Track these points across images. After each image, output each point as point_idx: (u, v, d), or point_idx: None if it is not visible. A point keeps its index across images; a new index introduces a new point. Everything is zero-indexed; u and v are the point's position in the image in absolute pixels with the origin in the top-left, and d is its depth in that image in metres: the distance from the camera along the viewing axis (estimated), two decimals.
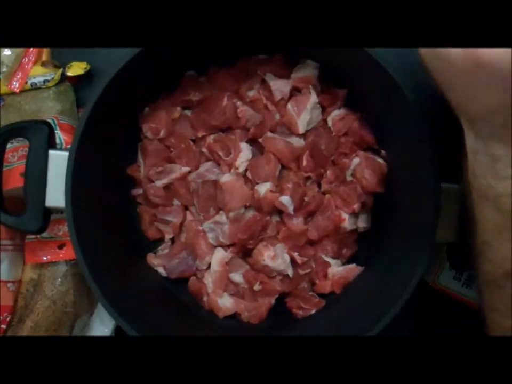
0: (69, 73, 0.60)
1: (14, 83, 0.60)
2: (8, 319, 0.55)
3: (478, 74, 0.36)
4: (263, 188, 0.54)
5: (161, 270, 0.58)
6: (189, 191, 0.57)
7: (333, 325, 0.53)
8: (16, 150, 0.55)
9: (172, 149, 0.57)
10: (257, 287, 0.55)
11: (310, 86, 0.55)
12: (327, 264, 0.57)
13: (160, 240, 0.59)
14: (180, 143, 0.57)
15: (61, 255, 0.55)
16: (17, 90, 0.60)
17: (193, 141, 0.57)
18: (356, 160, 0.56)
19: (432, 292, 0.58)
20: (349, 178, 0.57)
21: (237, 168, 0.55)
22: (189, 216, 0.58)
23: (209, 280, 0.56)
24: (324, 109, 0.56)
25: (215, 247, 0.57)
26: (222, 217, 0.56)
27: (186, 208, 0.58)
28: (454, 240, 0.47)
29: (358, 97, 0.56)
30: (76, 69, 0.60)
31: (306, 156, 0.55)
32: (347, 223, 0.56)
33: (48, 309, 0.55)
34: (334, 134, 0.56)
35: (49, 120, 0.53)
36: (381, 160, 0.56)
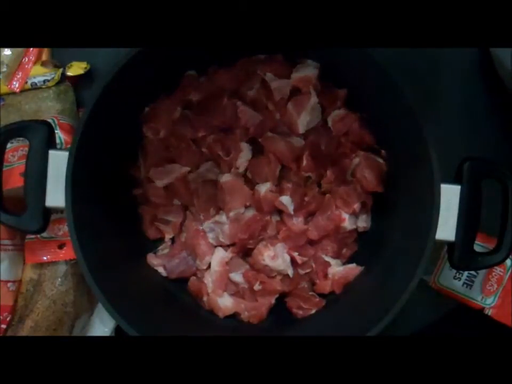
0: (69, 73, 0.60)
1: (14, 83, 0.60)
2: (8, 319, 0.55)
3: None
4: (263, 188, 0.54)
5: (161, 270, 0.58)
6: (189, 191, 0.57)
7: (333, 325, 0.53)
8: (16, 150, 0.55)
9: (171, 149, 0.57)
10: (257, 286, 0.55)
11: (310, 86, 0.55)
12: (327, 264, 0.57)
13: (160, 240, 0.59)
14: (180, 143, 0.57)
15: (61, 255, 0.55)
16: (17, 90, 0.60)
17: (193, 141, 0.57)
18: (356, 160, 0.56)
19: (432, 292, 0.58)
20: (349, 178, 0.57)
21: (237, 168, 0.55)
22: (189, 216, 0.58)
23: (209, 280, 0.56)
24: (323, 109, 0.56)
25: (215, 247, 0.57)
26: (222, 217, 0.56)
27: (186, 208, 0.58)
28: (454, 240, 0.47)
29: (358, 97, 0.56)
30: (76, 69, 0.60)
31: (306, 156, 0.55)
32: (347, 223, 0.56)
33: (48, 309, 0.55)
34: (334, 134, 0.56)
35: (49, 120, 0.53)
36: (381, 160, 0.56)
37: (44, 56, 0.61)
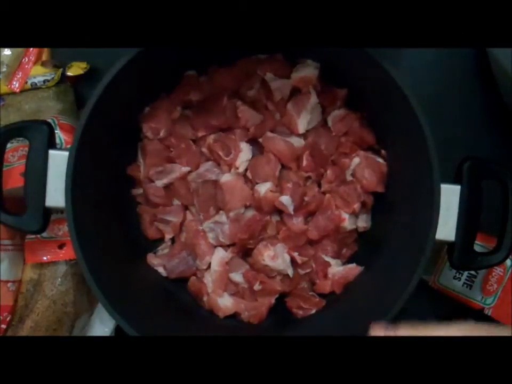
0: (69, 73, 0.60)
1: (14, 83, 0.60)
2: (8, 319, 0.55)
3: None
4: (263, 188, 0.54)
5: (161, 270, 0.58)
6: (189, 191, 0.57)
7: (333, 325, 0.53)
8: (16, 150, 0.55)
9: (172, 149, 0.57)
10: (257, 286, 0.55)
11: (310, 86, 0.55)
12: (327, 264, 0.57)
13: (160, 240, 0.59)
14: (180, 143, 0.57)
15: (61, 255, 0.55)
16: (17, 90, 0.60)
17: (193, 141, 0.57)
18: (356, 160, 0.56)
19: (432, 292, 0.58)
20: (349, 178, 0.57)
21: (237, 168, 0.55)
22: (189, 216, 0.58)
23: (209, 280, 0.56)
24: (324, 109, 0.56)
25: (215, 247, 0.57)
26: (222, 217, 0.56)
27: (186, 208, 0.58)
28: (454, 240, 0.47)
29: (358, 97, 0.56)
30: (76, 69, 0.60)
31: (306, 156, 0.55)
32: (347, 223, 0.56)
33: (48, 309, 0.55)
34: (334, 134, 0.56)
35: (49, 120, 0.53)
36: (381, 160, 0.56)
37: (44, 56, 0.61)
